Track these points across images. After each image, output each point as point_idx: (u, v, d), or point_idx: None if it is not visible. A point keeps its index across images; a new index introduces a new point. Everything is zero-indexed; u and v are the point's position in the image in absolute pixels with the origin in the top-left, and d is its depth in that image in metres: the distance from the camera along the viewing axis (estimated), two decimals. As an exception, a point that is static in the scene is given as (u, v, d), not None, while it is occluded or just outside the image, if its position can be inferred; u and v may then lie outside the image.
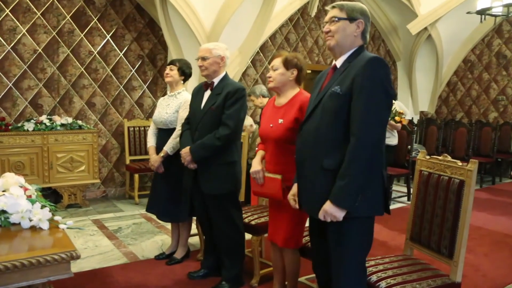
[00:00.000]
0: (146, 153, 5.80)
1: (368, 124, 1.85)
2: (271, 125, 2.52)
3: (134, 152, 5.88)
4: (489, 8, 5.47)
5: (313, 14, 7.36)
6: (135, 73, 5.93)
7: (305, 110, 2.35)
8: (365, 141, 1.85)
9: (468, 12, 5.96)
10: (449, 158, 2.41)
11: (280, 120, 2.48)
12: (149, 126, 5.82)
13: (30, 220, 1.91)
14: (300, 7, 6.81)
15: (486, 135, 7.25)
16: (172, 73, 3.47)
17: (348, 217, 1.91)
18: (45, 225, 1.90)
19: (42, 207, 2.00)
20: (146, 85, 6.03)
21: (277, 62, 2.56)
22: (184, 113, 3.32)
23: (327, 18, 2.05)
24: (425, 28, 7.53)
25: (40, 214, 1.91)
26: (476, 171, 2.23)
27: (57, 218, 1.98)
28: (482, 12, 5.50)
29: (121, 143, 5.91)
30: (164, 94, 6.00)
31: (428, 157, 2.52)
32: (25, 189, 2.12)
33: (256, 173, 2.58)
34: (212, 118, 2.93)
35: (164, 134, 3.47)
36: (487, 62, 8.20)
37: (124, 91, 5.88)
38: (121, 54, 5.80)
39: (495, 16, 5.73)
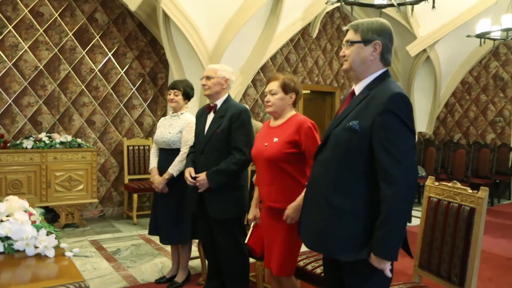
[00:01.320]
0: (145, 172, 5.77)
1: (403, 169, 1.68)
2: (265, 144, 2.50)
3: (133, 171, 5.81)
4: (488, 32, 5.54)
5: (314, 35, 7.42)
6: (135, 91, 5.91)
7: (302, 132, 2.40)
8: (403, 189, 1.69)
9: (468, 36, 6.04)
10: (459, 185, 2.39)
11: (275, 139, 2.46)
12: (148, 145, 5.84)
13: (36, 248, 1.84)
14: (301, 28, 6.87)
15: (484, 156, 7.27)
16: (177, 98, 3.42)
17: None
18: (51, 253, 1.83)
19: (48, 233, 1.94)
20: (147, 103, 6.01)
21: (275, 86, 2.52)
22: (188, 134, 3.29)
23: (344, 41, 1.90)
24: (424, 50, 7.62)
25: (46, 241, 1.84)
26: (487, 198, 2.21)
27: (63, 245, 1.92)
28: (481, 36, 5.56)
29: (120, 162, 5.85)
30: (165, 113, 5.98)
31: (437, 183, 2.50)
32: (30, 214, 2.06)
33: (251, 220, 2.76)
34: (218, 141, 2.91)
35: (165, 154, 3.42)
36: (484, 84, 8.28)
37: (124, 109, 5.85)
38: (122, 72, 5.79)
39: (494, 40, 5.81)
